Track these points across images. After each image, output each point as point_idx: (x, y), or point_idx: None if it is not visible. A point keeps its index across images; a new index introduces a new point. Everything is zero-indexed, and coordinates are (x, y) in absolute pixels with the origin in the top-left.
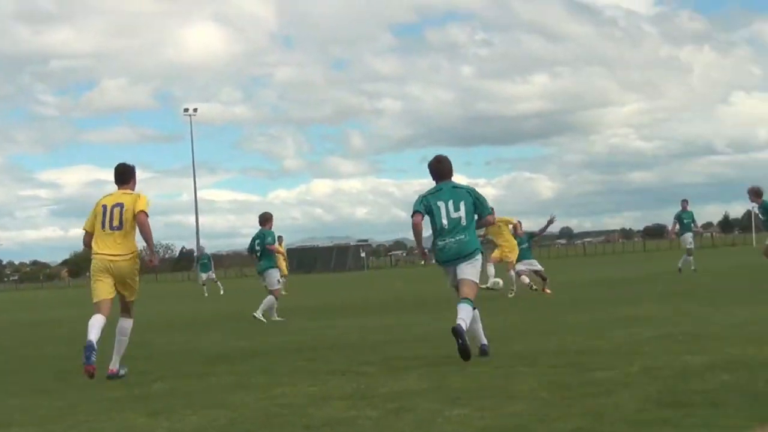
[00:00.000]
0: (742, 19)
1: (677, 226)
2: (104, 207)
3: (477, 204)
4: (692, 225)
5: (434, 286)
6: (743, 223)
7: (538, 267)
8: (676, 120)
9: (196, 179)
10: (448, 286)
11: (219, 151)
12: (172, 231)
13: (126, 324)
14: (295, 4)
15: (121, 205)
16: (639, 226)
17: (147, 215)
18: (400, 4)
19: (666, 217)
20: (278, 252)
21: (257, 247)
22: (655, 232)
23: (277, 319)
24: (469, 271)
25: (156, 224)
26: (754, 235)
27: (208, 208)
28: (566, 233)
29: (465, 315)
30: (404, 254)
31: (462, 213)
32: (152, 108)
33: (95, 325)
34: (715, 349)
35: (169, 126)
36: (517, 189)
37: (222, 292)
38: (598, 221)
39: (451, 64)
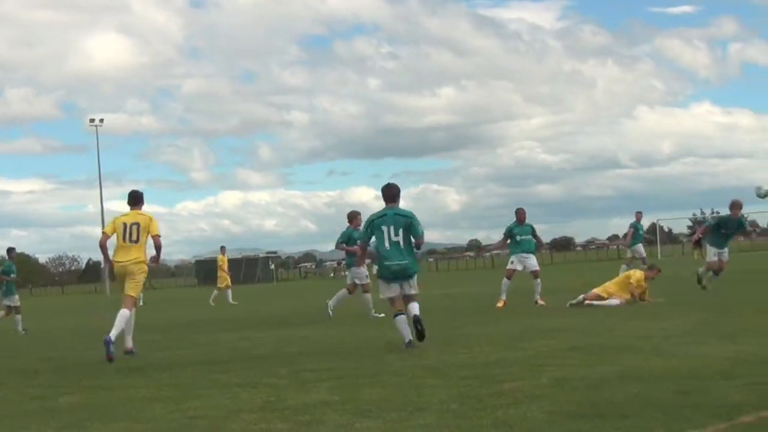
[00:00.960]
0: (645, 34)
1: (630, 237)
2: (124, 224)
3: (410, 228)
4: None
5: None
6: (649, 237)
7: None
8: (581, 134)
9: (103, 190)
10: (381, 296)
11: (125, 162)
12: (77, 242)
13: (126, 312)
14: (201, 15)
15: (137, 224)
16: (546, 239)
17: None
18: (307, 17)
19: (571, 230)
20: (220, 264)
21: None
22: (562, 244)
23: (377, 315)
24: (412, 288)
25: (62, 235)
26: (659, 247)
27: None
28: (474, 245)
29: (417, 310)
30: (313, 266)
31: (400, 237)
32: (57, 118)
33: (120, 322)
34: (623, 360)
35: (75, 137)
36: (426, 201)
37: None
38: None
39: (359, 77)
